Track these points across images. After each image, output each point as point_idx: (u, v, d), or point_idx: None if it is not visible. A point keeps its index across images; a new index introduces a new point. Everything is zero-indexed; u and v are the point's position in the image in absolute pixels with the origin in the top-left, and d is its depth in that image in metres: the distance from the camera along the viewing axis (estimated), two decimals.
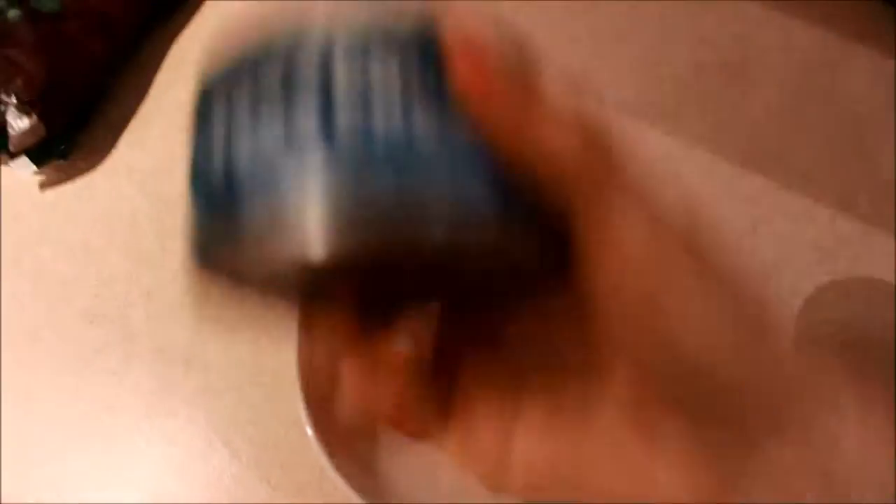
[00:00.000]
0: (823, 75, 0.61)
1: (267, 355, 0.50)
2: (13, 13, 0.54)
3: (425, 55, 0.19)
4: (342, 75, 0.18)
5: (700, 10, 0.64)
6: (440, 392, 0.25)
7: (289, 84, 0.18)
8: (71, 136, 0.55)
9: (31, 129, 0.52)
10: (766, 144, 0.58)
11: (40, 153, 0.53)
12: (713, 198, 0.55)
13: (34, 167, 0.53)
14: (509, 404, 0.24)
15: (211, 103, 0.21)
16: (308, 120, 0.18)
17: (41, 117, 0.52)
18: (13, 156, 0.53)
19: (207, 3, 0.64)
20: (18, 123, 0.52)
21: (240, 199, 0.18)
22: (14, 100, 0.52)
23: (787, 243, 0.54)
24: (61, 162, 0.55)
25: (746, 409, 0.21)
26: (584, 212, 0.20)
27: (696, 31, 0.63)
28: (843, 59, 0.61)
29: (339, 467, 0.38)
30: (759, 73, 0.61)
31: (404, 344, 0.24)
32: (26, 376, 0.50)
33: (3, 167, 0.55)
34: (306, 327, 0.25)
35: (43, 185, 0.56)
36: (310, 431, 0.39)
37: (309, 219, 0.17)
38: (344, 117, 0.18)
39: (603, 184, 0.20)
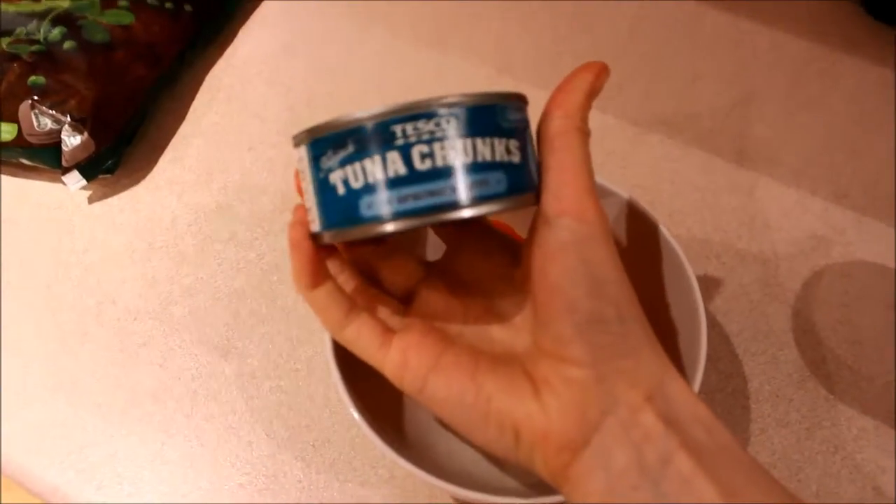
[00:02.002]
0: (813, 81, 0.65)
1: (300, 346, 0.54)
2: (69, 44, 0.60)
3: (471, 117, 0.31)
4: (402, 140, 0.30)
5: (697, 23, 0.68)
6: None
7: (382, 145, 0.30)
8: (117, 153, 0.60)
9: (83, 146, 0.57)
10: (761, 145, 0.62)
11: (90, 168, 0.58)
12: (711, 192, 0.59)
13: (84, 181, 0.58)
14: (441, 338, 0.35)
15: (325, 149, 0.31)
16: (383, 169, 0.30)
17: (91, 135, 0.57)
18: (66, 170, 0.58)
19: (238, 38, 0.70)
20: (71, 140, 0.57)
21: (352, 205, 0.31)
22: (68, 118, 0.57)
23: (783, 231, 0.57)
24: (108, 177, 0.60)
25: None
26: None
27: (693, 41, 0.67)
28: (831, 66, 0.66)
29: (369, 424, 0.41)
30: (753, 80, 0.65)
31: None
32: (76, 369, 0.53)
33: (57, 183, 0.60)
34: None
35: (91, 198, 0.61)
36: (344, 394, 0.42)
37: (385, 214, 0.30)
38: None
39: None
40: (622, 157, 0.61)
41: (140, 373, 0.53)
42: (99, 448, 0.51)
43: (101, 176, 0.60)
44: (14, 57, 0.59)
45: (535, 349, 0.33)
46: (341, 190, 0.31)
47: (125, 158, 0.62)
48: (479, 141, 0.30)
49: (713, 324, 0.54)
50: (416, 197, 0.30)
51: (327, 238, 0.32)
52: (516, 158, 0.31)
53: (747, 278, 0.56)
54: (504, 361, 0.34)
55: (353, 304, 0.35)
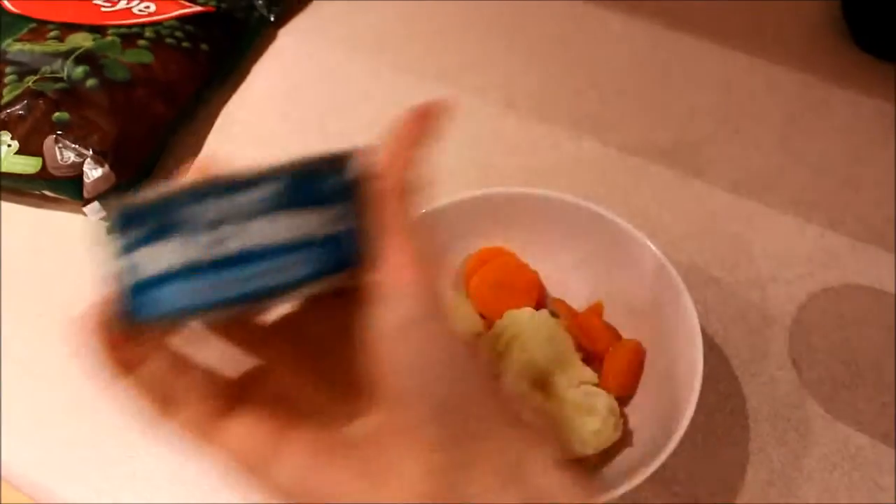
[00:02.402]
0: (807, 113, 0.67)
1: None
2: (91, 81, 0.63)
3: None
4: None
5: (694, 60, 0.71)
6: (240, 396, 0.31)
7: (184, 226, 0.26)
8: (137, 185, 0.63)
9: (104, 177, 0.60)
10: (758, 175, 0.64)
11: (110, 199, 0.61)
12: (710, 220, 0.61)
13: (104, 212, 0.60)
14: (284, 420, 0.30)
15: (128, 225, 0.27)
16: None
17: (112, 168, 0.60)
18: (87, 202, 0.60)
19: (251, 75, 0.73)
20: (93, 173, 0.60)
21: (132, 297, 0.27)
22: (90, 152, 0.59)
23: (780, 257, 0.59)
24: None
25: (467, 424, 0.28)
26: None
27: (690, 78, 0.70)
28: (824, 98, 0.68)
29: None
30: (748, 114, 0.68)
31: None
32: (96, 391, 0.55)
33: (78, 215, 0.62)
34: None
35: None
36: None
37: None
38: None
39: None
40: (623, 187, 0.64)
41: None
42: (118, 468, 0.52)
43: None
44: (39, 94, 0.62)
45: (381, 433, 0.29)
46: (130, 278, 0.27)
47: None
48: (285, 219, 0.26)
49: (712, 346, 0.55)
50: (215, 287, 0.26)
51: (120, 327, 0.28)
52: (332, 229, 0.27)
53: (745, 302, 0.57)
54: (344, 450, 0.30)
55: (170, 393, 0.30)
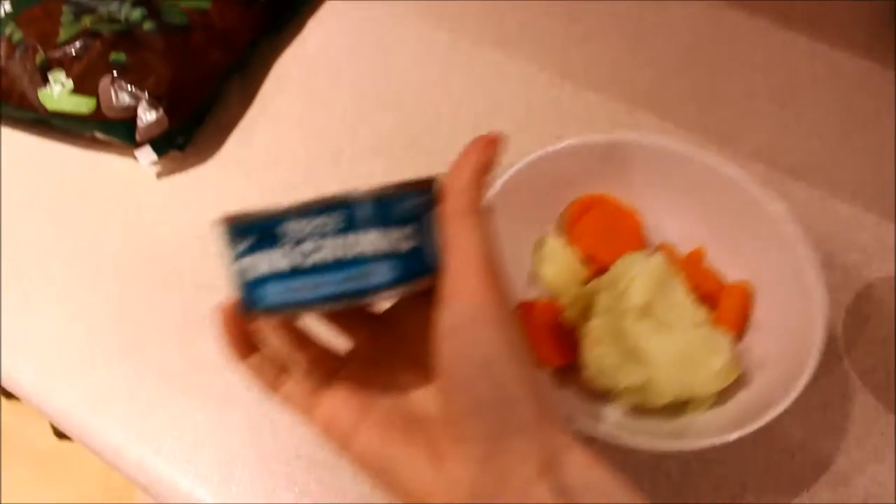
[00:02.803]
0: (869, 103, 0.66)
1: None
2: (148, 24, 0.62)
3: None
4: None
5: (752, 44, 0.70)
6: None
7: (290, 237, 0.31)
8: (189, 131, 0.62)
9: (157, 122, 0.59)
10: (816, 160, 0.63)
11: (162, 144, 0.60)
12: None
13: (155, 156, 0.60)
14: (365, 400, 0.36)
15: (231, 238, 0.33)
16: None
17: (166, 112, 0.59)
18: (139, 145, 0.60)
19: (306, 30, 0.72)
20: (147, 116, 0.59)
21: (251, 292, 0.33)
22: (146, 95, 0.59)
23: (835, 245, 0.58)
24: (178, 153, 0.62)
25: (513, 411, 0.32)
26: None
27: (749, 62, 0.69)
28: (886, 88, 0.67)
29: None
30: (808, 99, 0.67)
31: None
32: (141, 337, 0.55)
33: (129, 159, 0.62)
34: None
35: (160, 174, 0.62)
36: None
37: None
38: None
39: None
40: None
41: (203, 344, 0.54)
42: (160, 413, 0.52)
43: (171, 152, 0.61)
44: (96, 34, 0.61)
45: (442, 418, 0.34)
46: (243, 277, 0.33)
47: (195, 137, 0.64)
48: (370, 234, 0.31)
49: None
50: (309, 288, 0.32)
51: (241, 316, 0.35)
52: (410, 244, 0.32)
53: None
54: (414, 428, 0.35)
55: (281, 371, 0.37)
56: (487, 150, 0.34)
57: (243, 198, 0.61)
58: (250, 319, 0.35)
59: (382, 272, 0.32)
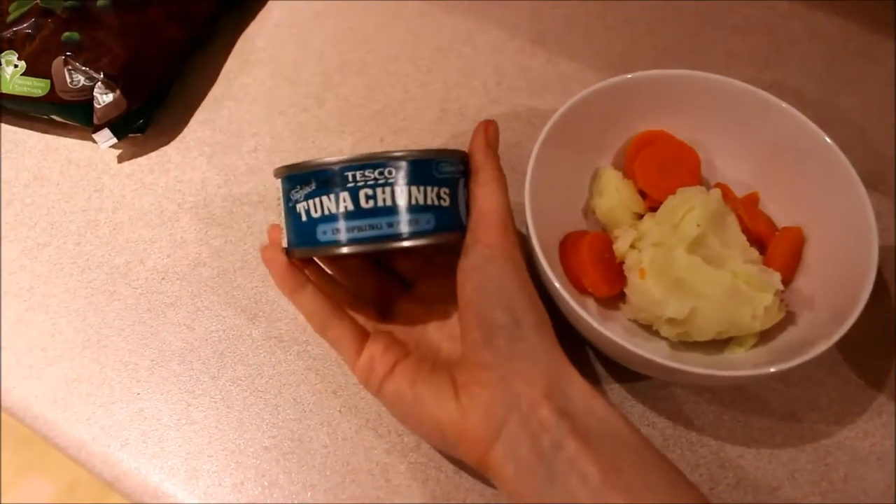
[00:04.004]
0: (849, 63, 0.64)
1: None
2: (102, 1, 0.59)
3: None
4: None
5: (729, 5, 0.67)
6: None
7: (336, 187, 0.40)
8: (149, 112, 0.60)
9: (115, 103, 0.57)
10: None
11: (121, 126, 0.58)
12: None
13: (115, 139, 0.58)
14: (399, 349, 0.44)
15: (294, 185, 0.41)
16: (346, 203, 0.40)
17: (124, 93, 0.57)
18: (97, 128, 0.57)
19: (270, 1, 0.69)
20: (104, 98, 0.57)
21: (311, 230, 0.41)
22: (101, 76, 0.56)
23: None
24: (138, 136, 0.60)
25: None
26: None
27: (727, 24, 0.66)
28: (866, 47, 0.65)
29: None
30: (787, 60, 0.64)
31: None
32: (103, 327, 0.53)
33: (87, 142, 0.59)
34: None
35: (121, 157, 0.60)
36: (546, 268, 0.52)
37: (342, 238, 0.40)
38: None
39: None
40: None
41: (167, 333, 0.53)
42: (125, 406, 0.51)
43: (131, 135, 0.59)
44: (48, 12, 0.58)
45: (461, 357, 0.40)
46: (304, 217, 0.40)
47: (156, 118, 0.61)
48: (413, 188, 0.39)
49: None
50: (360, 229, 0.39)
51: (294, 254, 0.42)
52: (445, 203, 0.40)
53: None
54: (441, 368, 0.42)
55: (335, 307, 0.44)
56: (487, 130, 0.43)
57: (207, 180, 0.59)
58: (304, 255, 0.42)
59: (425, 220, 0.39)
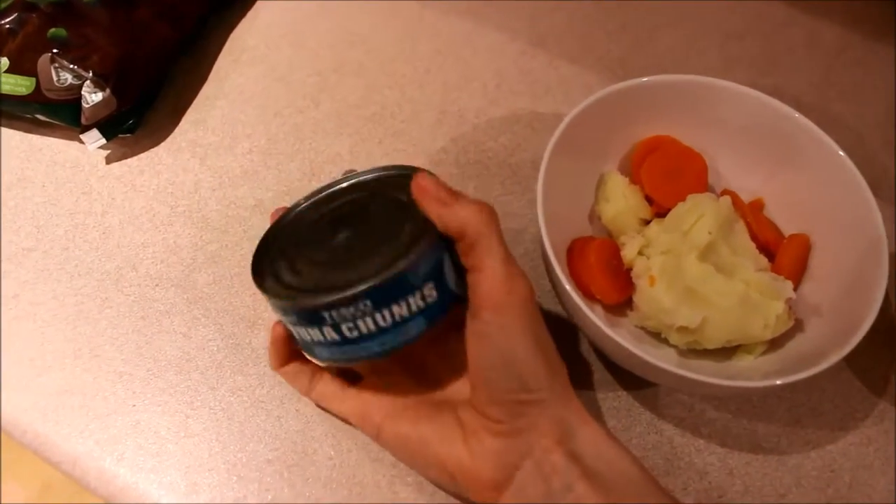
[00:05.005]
0: (846, 70, 0.64)
1: None
2: None
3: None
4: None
5: (728, 10, 0.67)
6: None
7: (320, 321, 0.39)
8: (139, 112, 0.58)
9: (104, 103, 0.55)
10: None
11: (110, 127, 0.56)
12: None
13: (103, 140, 0.56)
14: (396, 390, 0.44)
15: (279, 310, 0.41)
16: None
17: (114, 92, 0.55)
18: (85, 129, 0.55)
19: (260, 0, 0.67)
20: (93, 97, 0.55)
21: (305, 346, 0.42)
22: (90, 74, 0.54)
23: None
24: (128, 137, 0.58)
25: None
26: (473, 259, 0.38)
27: (726, 30, 0.66)
28: (864, 55, 0.65)
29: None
30: (786, 67, 0.64)
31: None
32: (96, 336, 0.51)
33: (74, 143, 0.57)
34: None
35: (110, 159, 0.58)
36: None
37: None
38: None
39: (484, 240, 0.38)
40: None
41: (163, 342, 0.51)
42: (120, 418, 0.49)
43: (120, 136, 0.57)
44: (32, 7, 0.56)
45: (470, 401, 0.40)
46: (296, 337, 0.41)
47: (145, 119, 0.59)
48: (395, 307, 0.37)
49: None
50: (353, 350, 0.38)
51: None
52: (433, 297, 0.38)
53: None
54: (445, 408, 0.41)
55: (315, 372, 0.46)
56: (436, 190, 0.39)
57: (200, 183, 0.57)
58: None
59: (418, 324, 0.38)
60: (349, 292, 0.36)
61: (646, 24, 0.67)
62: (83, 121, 0.55)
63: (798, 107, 0.54)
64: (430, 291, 0.38)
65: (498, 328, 0.37)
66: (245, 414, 0.49)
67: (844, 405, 0.50)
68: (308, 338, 0.39)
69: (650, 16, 0.67)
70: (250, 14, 0.66)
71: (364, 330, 0.37)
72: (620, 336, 0.43)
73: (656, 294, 0.47)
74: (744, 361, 0.48)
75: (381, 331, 0.37)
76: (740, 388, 0.43)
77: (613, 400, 0.50)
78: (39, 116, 0.57)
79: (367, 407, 0.42)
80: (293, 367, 0.45)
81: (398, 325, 0.38)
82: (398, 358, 0.45)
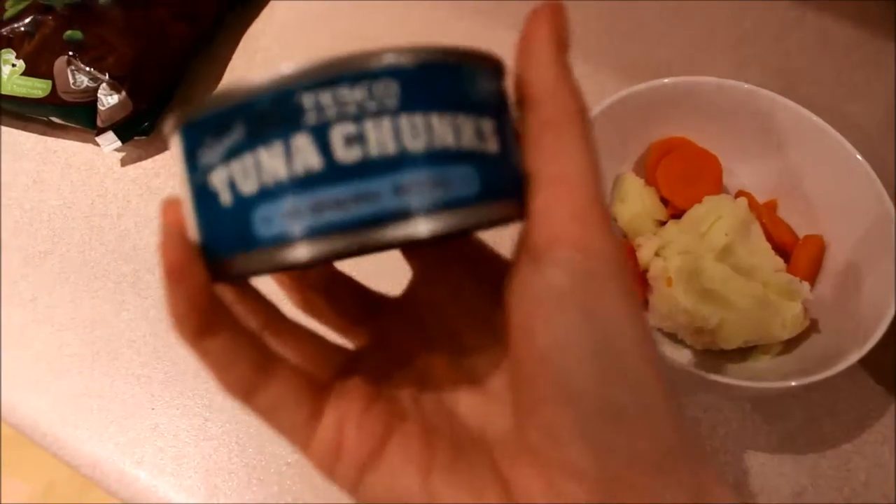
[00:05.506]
0: (858, 71, 0.64)
1: None
2: None
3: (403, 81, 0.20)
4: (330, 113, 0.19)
5: (740, 11, 0.67)
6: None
7: (285, 125, 0.19)
8: (154, 114, 0.58)
9: (120, 105, 0.55)
10: None
11: (126, 129, 0.56)
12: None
13: (119, 142, 0.56)
14: (388, 414, 0.24)
15: (203, 137, 0.20)
16: (310, 155, 0.19)
17: (130, 95, 0.55)
18: (100, 131, 0.55)
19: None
20: (109, 100, 0.55)
21: (243, 219, 0.20)
22: (106, 76, 0.54)
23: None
24: (143, 138, 0.58)
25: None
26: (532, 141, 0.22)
27: (738, 31, 0.66)
28: (876, 55, 0.65)
29: None
30: (798, 68, 0.65)
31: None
32: (113, 339, 0.51)
33: (89, 145, 0.57)
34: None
35: (125, 161, 0.58)
36: None
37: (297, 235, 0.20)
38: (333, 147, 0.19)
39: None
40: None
41: (182, 346, 0.51)
42: (139, 421, 0.49)
43: (135, 138, 0.57)
44: (48, 9, 0.56)
45: (515, 437, 0.23)
46: (226, 197, 0.20)
47: (160, 120, 0.59)
48: (435, 117, 0.20)
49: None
50: (339, 204, 0.19)
51: (214, 276, 0.21)
52: (493, 147, 0.21)
53: None
54: (469, 450, 0.24)
55: (266, 356, 0.23)
56: (557, 20, 0.23)
57: None
58: (232, 272, 0.21)
59: (462, 180, 0.20)
60: (362, 60, 0.19)
61: (658, 25, 0.67)
62: (99, 123, 0.55)
63: (810, 107, 0.54)
64: (492, 135, 0.21)
65: (588, 279, 0.20)
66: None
67: (860, 404, 0.50)
68: (253, 182, 0.20)
69: (663, 17, 0.67)
70: (264, 14, 0.66)
71: (374, 147, 0.19)
72: None
73: (673, 295, 0.48)
74: (760, 362, 0.48)
75: (403, 161, 0.19)
76: (757, 388, 0.43)
77: None
78: (54, 119, 0.57)
79: (346, 434, 0.23)
80: (222, 340, 0.22)
81: (437, 159, 0.20)
82: (384, 367, 0.26)
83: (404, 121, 0.19)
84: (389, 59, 0.19)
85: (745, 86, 0.52)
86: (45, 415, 0.49)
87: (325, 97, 0.19)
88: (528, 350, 0.21)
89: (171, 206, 0.22)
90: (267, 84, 0.19)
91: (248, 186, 0.20)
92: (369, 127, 0.19)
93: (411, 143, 0.19)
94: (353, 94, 0.19)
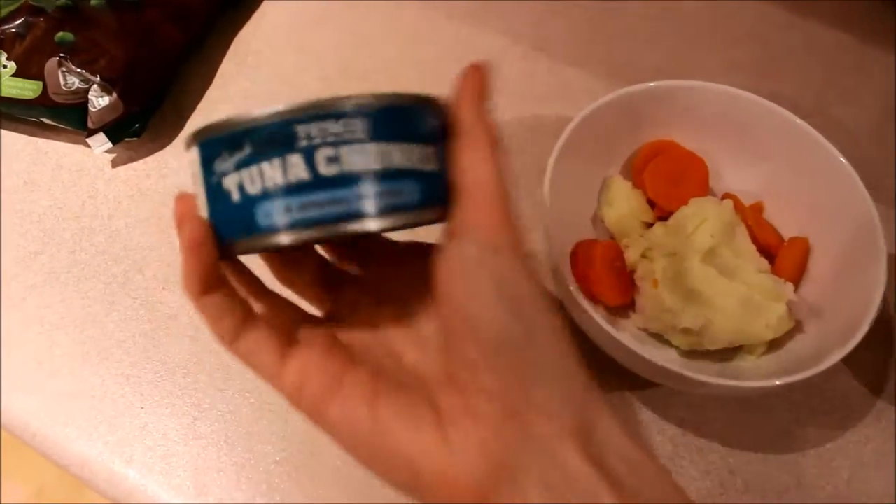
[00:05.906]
0: (845, 75, 0.65)
1: None
2: (96, 0, 0.57)
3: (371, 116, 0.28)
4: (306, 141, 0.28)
5: (728, 15, 0.68)
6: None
7: (283, 146, 0.28)
8: (145, 116, 0.58)
9: (111, 107, 0.55)
10: None
11: (117, 131, 0.56)
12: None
13: (109, 144, 0.56)
14: (344, 358, 0.31)
15: (219, 150, 0.28)
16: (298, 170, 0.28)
17: (121, 97, 0.55)
18: (91, 132, 0.55)
19: (265, 3, 0.68)
20: (100, 101, 0.55)
21: (248, 212, 0.28)
22: (97, 78, 0.55)
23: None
24: (134, 140, 0.58)
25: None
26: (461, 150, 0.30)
27: (727, 34, 0.67)
28: (863, 60, 0.66)
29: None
30: (786, 71, 0.65)
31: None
32: (103, 339, 0.52)
33: (80, 146, 0.58)
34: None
35: (116, 162, 0.59)
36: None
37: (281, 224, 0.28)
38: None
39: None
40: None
41: (170, 344, 0.52)
42: (128, 420, 0.49)
43: (126, 139, 0.57)
44: (39, 11, 0.56)
45: (444, 376, 0.29)
46: (236, 196, 0.28)
47: (151, 122, 0.60)
48: (392, 145, 0.28)
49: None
50: (318, 205, 0.27)
51: (221, 253, 0.29)
52: (432, 166, 0.29)
53: None
54: (409, 387, 0.30)
55: (248, 313, 0.30)
56: (478, 77, 0.31)
57: None
58: (237, 251, 0.29)
59: (408, 191, 0.28)
60: (340, 102, 0.28)
61: (646, 29, 0.67)
62: (90, 125, 0.55)
63: (796, 110, 0.55)
64: (433, 159, 0.30)
65: (495, 252, 0.28)
66: (253, 415, 0.49)
67: (843, 405, 0.51)
68: (258, 186, 0.28)
69: (650, 21, 0.68)
70: (255, 17, 0.67)
71: (347, 166, 0.27)
72: (623, 336, 0.43)
73: (659, 296, 0.48)
74: (745, 362, 0.49)
75: (366, 176, 0.28)
76: (741, 388, 0.43)
77: (616, 399, 0.51)
78: (45, 120, 0.57)
79: (306, 376, 0.30)
80: (218, 298, 0.29)
81: (392, 176, 0.28)
82: (344, 320, 0.34)
83: (370, 147, 0.28)
84: (360, 102, 0.28)
85: (732, 90, 0.53)
86: (34, 414, 0.49)
87: (313, 128, 0.27)
88: (451, 303, 0.28)
89: (184, 197, 0.30)
90: (271, 116, 0.27)
91: (254, 189, 0.28)
92: (344, 151, 0.27)
93: (373, 163, 0.28)
94: (334, 127, 0.27)
